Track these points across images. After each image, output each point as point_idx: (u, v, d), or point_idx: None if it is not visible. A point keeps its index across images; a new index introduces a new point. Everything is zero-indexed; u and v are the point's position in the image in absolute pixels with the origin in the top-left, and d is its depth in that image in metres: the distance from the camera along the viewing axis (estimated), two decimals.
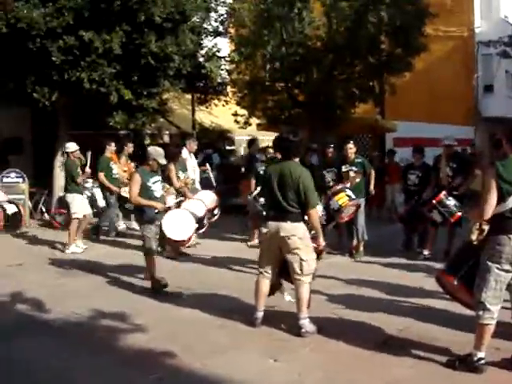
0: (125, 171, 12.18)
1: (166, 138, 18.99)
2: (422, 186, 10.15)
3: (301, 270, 5.70)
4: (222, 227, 11.44)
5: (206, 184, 11.45)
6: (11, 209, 12.63)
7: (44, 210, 14.50)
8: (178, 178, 10.03)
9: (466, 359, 4.72)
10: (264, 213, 9.73)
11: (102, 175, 11.71)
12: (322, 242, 5.99)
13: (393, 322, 6.03)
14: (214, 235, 11.16)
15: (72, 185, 10.65)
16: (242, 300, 6.93)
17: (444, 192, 9.27)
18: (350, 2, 14.41)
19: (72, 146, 10.91)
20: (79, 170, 10.71)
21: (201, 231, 10.09)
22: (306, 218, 5.81)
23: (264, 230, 5.90)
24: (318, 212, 5.94)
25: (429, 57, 18.44)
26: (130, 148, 12.71)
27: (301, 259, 5.69)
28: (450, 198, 9.22)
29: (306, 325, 5.64)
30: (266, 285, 5.95)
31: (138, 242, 10.83)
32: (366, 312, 6.35)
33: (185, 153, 10.97)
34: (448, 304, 6.14)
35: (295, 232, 5.70)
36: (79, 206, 10.65)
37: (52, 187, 14.02)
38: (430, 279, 7.55)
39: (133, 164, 12.57)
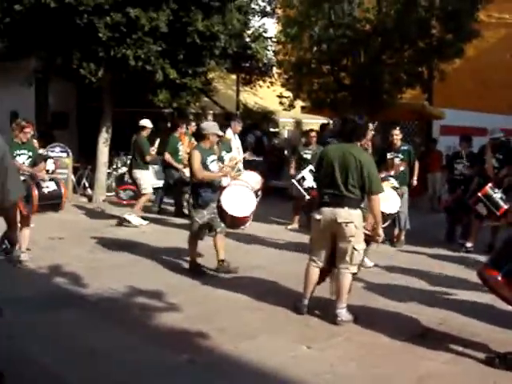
0: (188, 153, 12.21)
1: (210, 118, 18.98)
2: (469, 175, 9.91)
3: (351, 259, 5.56)
4: (262, 209, 11.36)
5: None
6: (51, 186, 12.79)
7: (87, 185, 14.71)
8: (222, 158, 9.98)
9: (506, 357, 4.57)
10: (308, 197, 9.70)
11: (168, 155, 11.85)
12: (381, 232, 5.77)
13: (432, 314, 5.90)
14: (255, 217, 11.09)
15: (140, 162, 11.01)
16: (279, 283, 6.89)
17: (490, 184, 8.96)
18: None
19: (147, 123, 11.23)
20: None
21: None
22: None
23: (318, 217, 5.63)
24: (379, 200, 5.67)
25: (480, 44, 17.92)
26: (193, 127, 12.67)
27: (353, 248, 5.53)
28: (496, 191, 8.89)
29: (343, 314, 5.54)
30: (316, 273, 5.79)
31: (180, 221, 11.01)
32: (405, 302, 6.24)
33: (229, 133, 10.94)
34: (490, 299, 5.95)
35: (353, 219, 5.50)
36: (148, 181, 11.15)
37: (95, 163, 14.16)
38: (472, 272, 7.34)
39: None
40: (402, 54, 15.79)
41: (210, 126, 7.63)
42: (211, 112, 18.97)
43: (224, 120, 18.41)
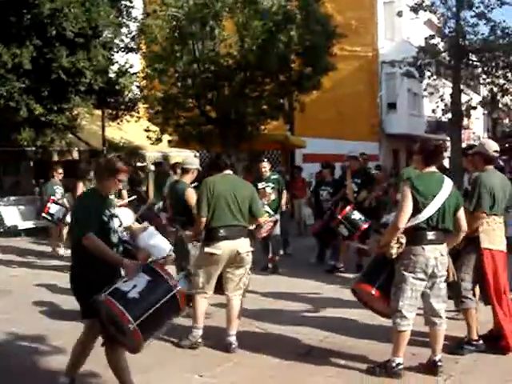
0: None
1: (76, 155, 18.58)
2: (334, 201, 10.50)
3: (243, 284, 5.83)
4: None
5: None
6: None
7: None
8: None
9: (386, 365, 4.95)
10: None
11: None
12: None
13: (313, 333, 6.21)
14: None
15: None
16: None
17: (349, 207, 9.59)
18: (262, 21, 14.70)
19: None
20: None
21: None
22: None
23: (217, 252, 5.63)
24: None
25: (335, 75, 19.05)
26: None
27: (248, 273, 5.83)
28: (354, 212, 9.52)
29: (234, 340, 5.69)
30: (205, 303, 5.89)
31: (51, 262, 10.74)
32: (287, 325, 6.50)
33: None
34: (364, 314, 6.41)
35: (249, 248, 5.82)
36: None
37: None
38: (345, 290, 7.84)
39: None
40: (264, 87, 16.48)
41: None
42: (76, 149, 18.57)
43: (89, 157, 18.16)
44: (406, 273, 4.83)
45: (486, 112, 39.22)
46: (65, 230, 11.52)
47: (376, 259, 5.45)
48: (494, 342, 5.56)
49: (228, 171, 6.00)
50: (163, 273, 4.23)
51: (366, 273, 5.56)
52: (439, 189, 4.83)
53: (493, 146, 5.72)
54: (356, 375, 5.00)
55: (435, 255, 4.81)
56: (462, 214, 4.96)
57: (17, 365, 5.45)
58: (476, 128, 42.04)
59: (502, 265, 5.58)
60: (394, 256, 4.81)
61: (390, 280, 5.03)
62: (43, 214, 11.72)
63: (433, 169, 5.01)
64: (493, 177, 5.57)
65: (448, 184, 4.89)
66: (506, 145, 28.13)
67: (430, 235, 4.80)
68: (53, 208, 11.75)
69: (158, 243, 5.45)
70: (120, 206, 10.43)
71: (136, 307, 4.01)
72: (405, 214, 4.77)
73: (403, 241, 4.77)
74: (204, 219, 5.77)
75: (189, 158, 8.20)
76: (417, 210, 4.78)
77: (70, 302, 7.55)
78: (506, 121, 47.51)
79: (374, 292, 5.21)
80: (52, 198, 11.76)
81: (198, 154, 19.57)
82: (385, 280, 5.14)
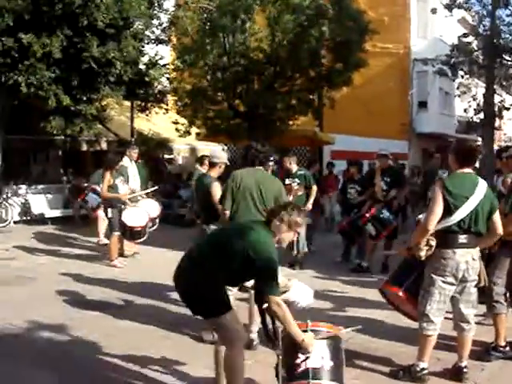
0: None
1: (104, 145, 18.69)
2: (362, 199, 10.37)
3: None
4: (162, 237, 11.36)
5: None
6: None
7: None
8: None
9: (410, 369, 4.83)
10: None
11: None
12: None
13: None
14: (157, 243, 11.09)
15: None
16: (186, 312, 6.87)
17: (378, 206, 9.48)
18: (294, 15, 14.58)
19: None
20: None
21: (141, 240, 10.08)
22: None
23: None
24: None
25: (366, 72, 18.84)
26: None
27: None
28: (383, 212, 9.43)
29: (256, 337, 5.61)
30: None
31: (77, 251, 10.82)
32: None
33: (126, 160, 10.84)
34: (389, 315, 6.29)
35: None
36: None
37: None
38: (370, 290, 7.76)
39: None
40: (294, 82, 16.36)
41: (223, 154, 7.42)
42: (105, 139, 18.68)
43: (118, 147, 18.22)
44: (435, 276, 4.69)
45: None
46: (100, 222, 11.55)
47: (406, 261, 5.34)
48: None
49: (259, 167, 5.92)
50: (324, 328, 4.08)
51: (394, 274, 5.46)
52: (473, 191, 4.67)
53: None
54: (379, 378, 4.89)
55: (466, 259, 4.66)
56: (497, 217, 4.79)
57: (39, 353, 5.45)
58: (507, 129, 41.35)
59: None
60: (423, 258, 4.68)
61: (419, 283, 4.91)
62: (78, 200, 11.82)
63: (467, 170, 4.86)
64: None
65: (482, 186, 4.73)
66: None
67: (462, 238, 4.65)
68: (90, 197, 11.90)
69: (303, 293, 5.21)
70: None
71: (338, 373, 3.97)
72: (434, 215, 4.63)
73: (433, 243, 4.63)
74: (228, 212, 5.70)
75: (216, 151, 8.03)
76: (448, 212, 4.63)
77: (95, 292, 7.69)
78: None
79: (401, 294, 5.10)
80: (93, 186, 11.85)
81: (225, 148, 19.56)
82: (413, 282, 5.03)
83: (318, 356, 3.89)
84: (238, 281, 4.36)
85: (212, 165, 7.12)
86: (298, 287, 5.06)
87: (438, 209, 4.63)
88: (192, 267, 4.09)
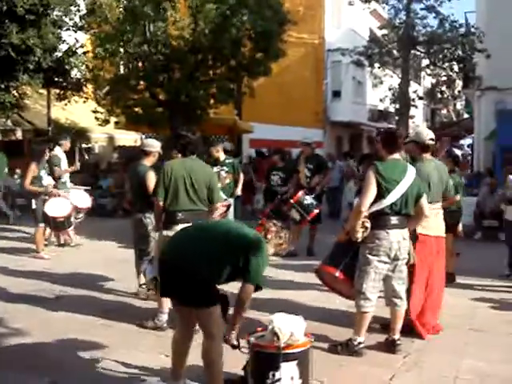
0: None
1: (19, 135, 18.18)
2: (285, 186, 10.68)
3: None
4: (86, 227, 11.27)
5: None
6: None
7: None
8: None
9: (348, 344, 5.16)
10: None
11: None
12: None
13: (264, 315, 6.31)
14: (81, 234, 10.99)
15: None
16: (122, 300, 6.95)
17: (301, 192, 9.82)
18: (216, 4, 14.64)
19: None
20: None
21: (68, 230, 10.01)
22: None
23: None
24: None
25: (282, 61, 19.12)
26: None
27: None
28: (307, 198, 9.80)
29: None
30: None
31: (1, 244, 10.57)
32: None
33: (58, 151, 10.70)
34: (320, 295, 6.62)
35: None
36: None
37: None
38: (297, 273, 8.13)
39: None
40: (215, 70, 16.45)
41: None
42: (19, 128, 18.16)
43: (35, 137, 17.79)
44: (370, 256, 5.02)
45: (425, 102, 40.25)
46: None
47: (339, 243, 5.62)
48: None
49: (191, 156, 6.00)
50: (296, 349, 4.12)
51: (330, 256, 5.73)
52: (403, 175, 5.02)
53: (428, 135, 5.84)
54: (320, 353, 5.14)
55: (398, 239, 5.02)
56: (424, 200, 5.17)
57: None
58: (415, 118, 43.12)
59: (432, 249, 5.72)
60: (359, 240, 4.98)
61: (354, 263, 5.22)
62: None
63: (396, 156, 5.20)
64: (428, 165, 5.71)
65: (411, 172, 5.09)
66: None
67: (394, 220, 5.00)
68: None
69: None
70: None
71: None
72: (368, 197, 4.94)
73: (368, 225, 4.94)
74: (161, 202, 5.78)
75: (149, 140, 8.05)
76: (381, 195, 4.96)
77: (25, 285, 7.58)
78: (444, 111, 48.91)
79: (337, 274, 5.40)
80: None
81: (143, 137, 19.44)
82: (348, 263, 5.33)
83: (287, 377, 4.03)
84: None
85: (146, 153, 7.18)
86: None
87: (371, 192, 4.94)
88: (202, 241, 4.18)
